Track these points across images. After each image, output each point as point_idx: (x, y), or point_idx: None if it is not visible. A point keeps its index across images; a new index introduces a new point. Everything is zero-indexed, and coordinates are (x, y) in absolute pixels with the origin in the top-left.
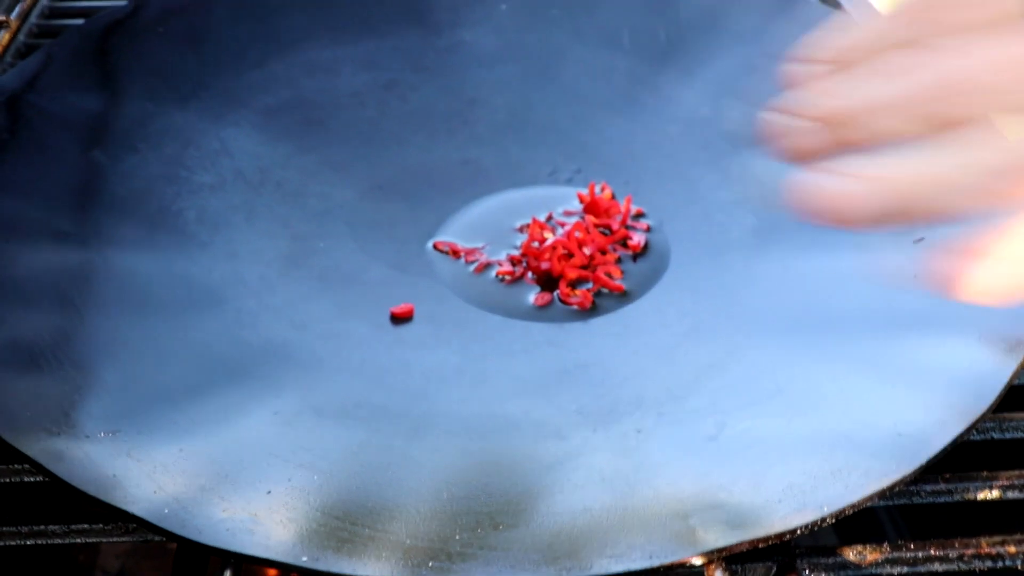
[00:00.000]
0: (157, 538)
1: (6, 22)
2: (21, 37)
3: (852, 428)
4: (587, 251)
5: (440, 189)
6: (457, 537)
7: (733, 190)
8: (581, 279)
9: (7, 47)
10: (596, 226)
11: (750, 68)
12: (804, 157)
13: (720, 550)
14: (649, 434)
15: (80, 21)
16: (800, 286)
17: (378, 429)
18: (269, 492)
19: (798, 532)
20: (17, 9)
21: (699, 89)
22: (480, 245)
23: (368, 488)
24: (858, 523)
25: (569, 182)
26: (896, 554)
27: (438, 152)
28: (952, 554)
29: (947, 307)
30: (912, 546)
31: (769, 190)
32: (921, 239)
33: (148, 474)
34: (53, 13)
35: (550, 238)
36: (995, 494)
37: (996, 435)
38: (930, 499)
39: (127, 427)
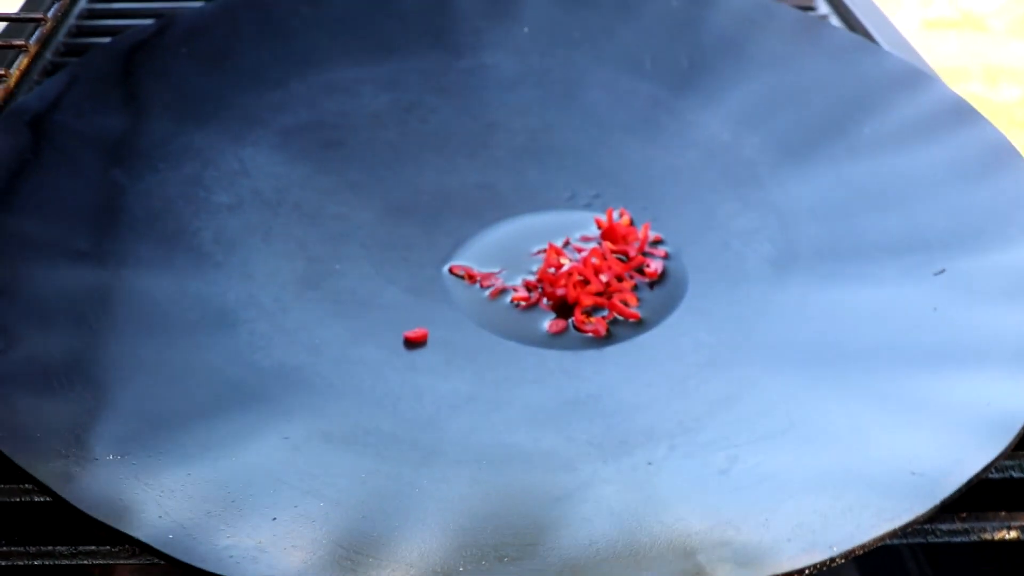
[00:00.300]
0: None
1: (25, 47)
2: (48, 55)
3: (865, 465)
4: (603, 278)
5: (457, 212)
6: (461, 569)
7: (751, 218)
8: (597, 306)
9: (26, 72)
10: (613, 252)
11: (772, 95)
12: None
13: None
14: (660, 467)
15: (106, 40)
16: (817, 318)
17: (387, 457)
18: (275, 519)
19: (806, 572)
20: (38, 32)
21: (720, 115)
22: (496, 270)
23: (374, 517)
24: (879, 559)
25: (587, 207)
26: None
27: (456, 175)
28: None
29: (967, 342)
30: None
31: (793, 219)
32: (942, 271)
33: (155, 499)
34: (80, 32)
35: (566, 264)
36: (1013, 535)
37: (1016, 474)
38: (945, 538)
39: (136, 450)
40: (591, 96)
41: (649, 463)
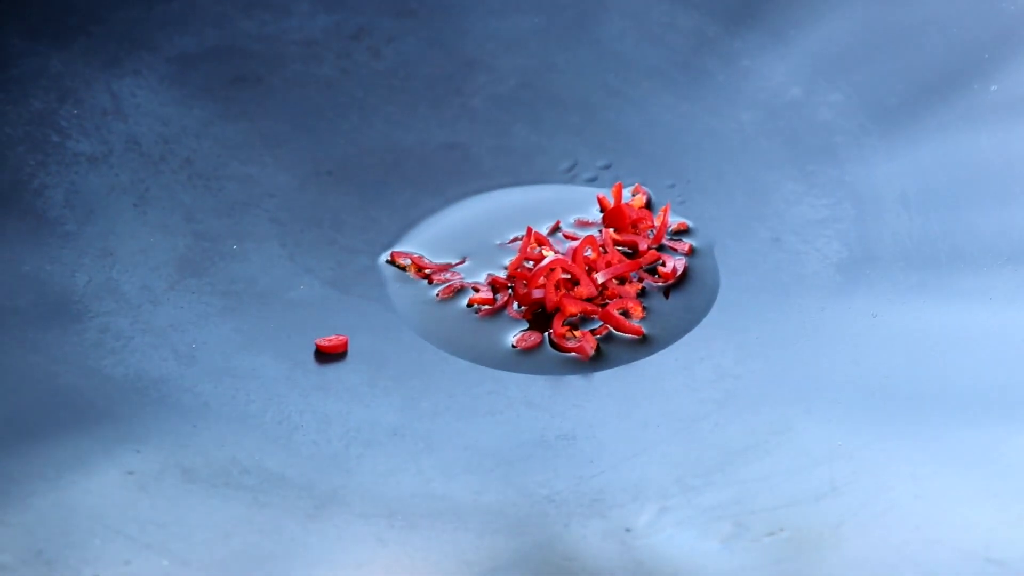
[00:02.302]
0: None
1: None
2: None
3: (925, 549)
4: (599, 278)
5: (411, 181)
6: None
7: (818, 205)
8: (585, 316)
9: None
10: (616, 244)
11: (865, 35)
12: None
13: None
14: (641, 536)
15: None
16: (889, 346)
17: (267, 504)
18: None
19: None
20: None
21: (789, 61)
22: (454, 261)
23: None
24: None
25: (592, 182)
26: None
27: (415, 130)
28: None
29: None
30: None
31: (875, 208)
32: None
33: None
34: None
35: (548, 256)
36: None
37: None
38: None
39: None
40: (611, 27)
41: (628, 529)
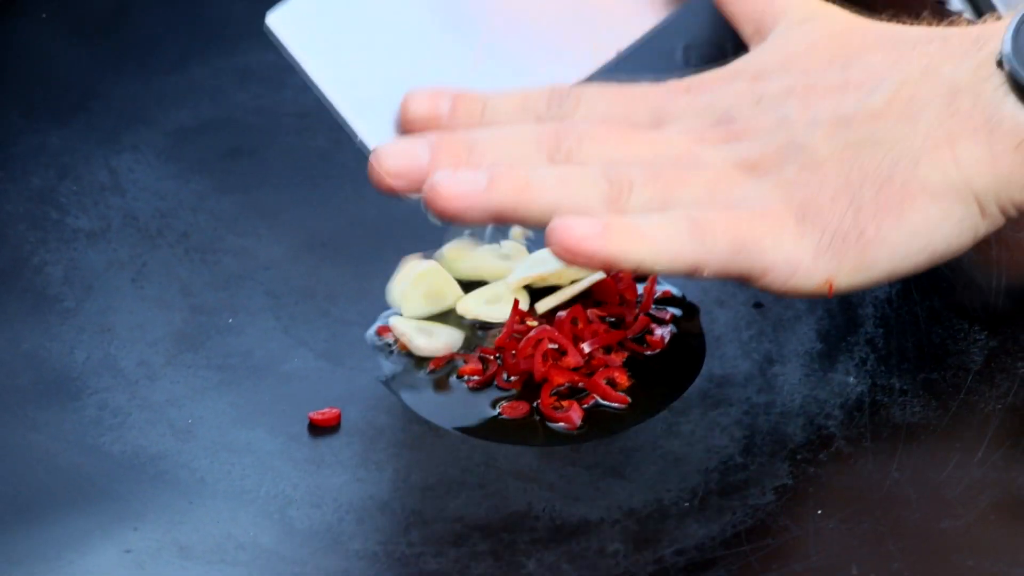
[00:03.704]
0: None
1: None
2: None
3: None
4: (586, 347)
5: (403, 251)
6: None
7: None
8: (573, 386)
9: None
10: (600, 317)
11: None
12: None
13: None
14: None
15: None
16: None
17: None
18: None
19: None
20: None
21: None
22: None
23: None
24: None
25: None
26: None
27: (406, 201)
28: None
29: None
30: None
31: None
32: None
33: None
34: None
35: (536, 327)
36: None
37: None
38: None
39: None
40: None
41: None
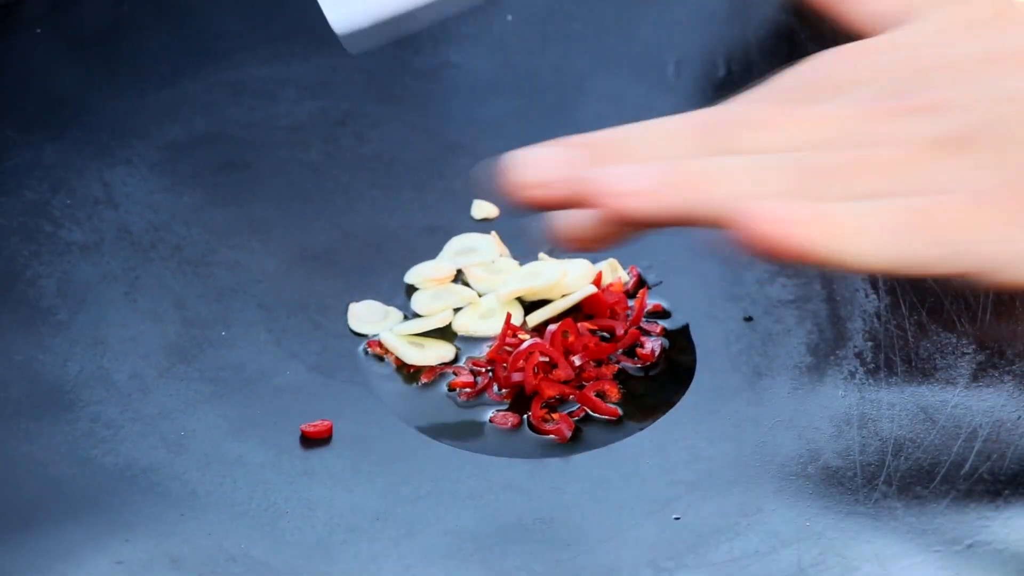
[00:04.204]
0: None
1: None
2: None
3: None
4: (576, 360)
5: (395, 264)
6: None
7: (791, 285)
8: (563, 399)
9: None
10: (591, 330)
11: None
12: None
13: None
14: None
15: None
16: (866, 426)
17: None
18: None
19: None
20: None
21: None
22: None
23: None
24: None
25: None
26: None
27: (399, 213)
28: None
29: None
30: None
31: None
32: None
33: None
34: None
35: (527, 340)
36: None
37: None
38: None
39: None
40: (591, 111)
41: None
